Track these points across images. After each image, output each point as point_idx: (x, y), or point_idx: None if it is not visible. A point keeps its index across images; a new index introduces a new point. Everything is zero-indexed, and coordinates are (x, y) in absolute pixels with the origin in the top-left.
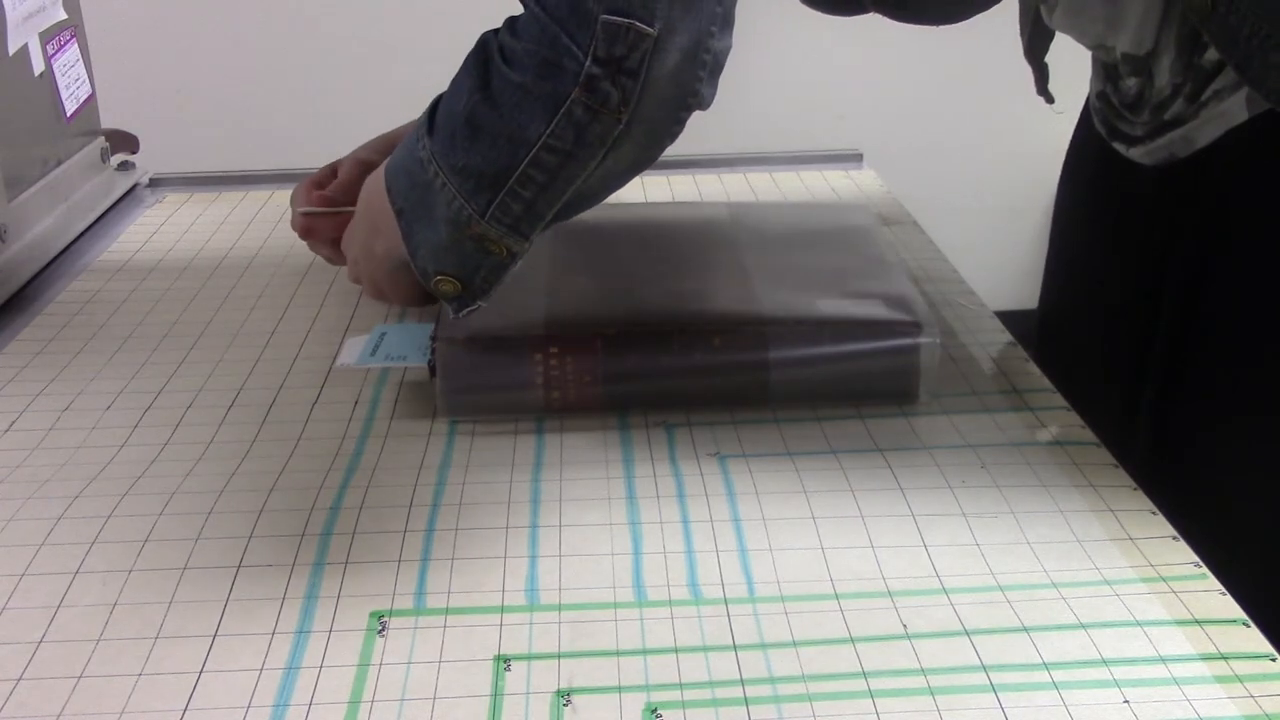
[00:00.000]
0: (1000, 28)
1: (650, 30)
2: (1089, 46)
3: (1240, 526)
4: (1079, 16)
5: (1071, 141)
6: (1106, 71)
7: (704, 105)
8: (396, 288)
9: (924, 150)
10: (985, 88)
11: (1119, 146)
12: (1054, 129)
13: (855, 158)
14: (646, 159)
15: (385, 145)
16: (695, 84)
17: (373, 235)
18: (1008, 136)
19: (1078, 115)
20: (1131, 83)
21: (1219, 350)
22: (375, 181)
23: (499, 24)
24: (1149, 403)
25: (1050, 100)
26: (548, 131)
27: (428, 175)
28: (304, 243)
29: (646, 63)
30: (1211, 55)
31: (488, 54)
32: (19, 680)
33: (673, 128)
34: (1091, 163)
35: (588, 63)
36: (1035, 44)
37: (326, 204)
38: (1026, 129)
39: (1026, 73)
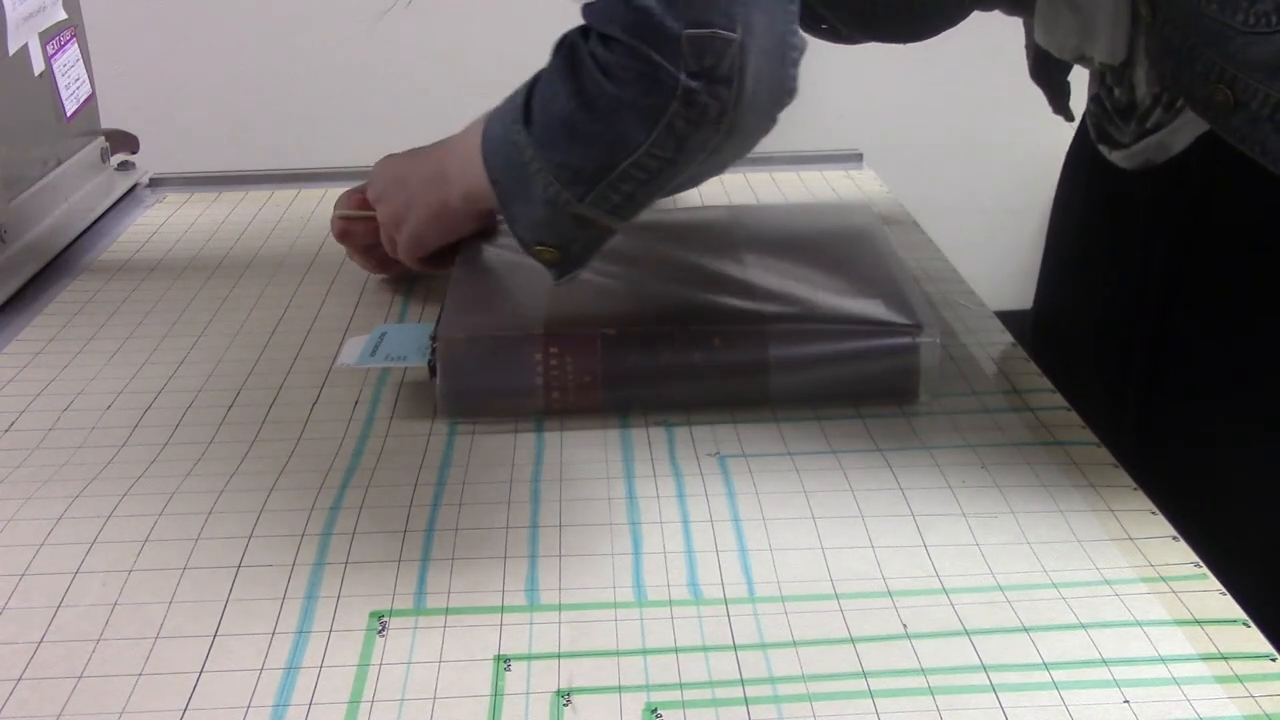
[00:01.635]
0: (1000, 30)
1: (733, 35)
2: (1071, 59)
3: (1239, 526)
4: (1054, 30)
5: (1072, 143)
6: (1100, 77)
7: (793, 97)
8: (421, 242)
9: (924, 150)
10: (985, 88)
11: (1104, 149)
12: (1055, 129)
13: (855, 158)
14: (746, 151)
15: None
16: (787, 81)
17: (436, 181)
18: (1008, 136)
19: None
20: (1118, 93)
21: (1203, 351)
22: (464, 137)
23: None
24: (1135, 402)
25: (1070, 118)
26: (649, 141)
27: (524, 159)
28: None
29: (737, 67)
30: None
31: (577, 59)
32: (19, 680)
33: (768, 124)
34: (1088, 164)
35: (682, 77)
36: (1043, 65)
37: (364, 207)
38: (1027, 129)
39: (1026, 73)
